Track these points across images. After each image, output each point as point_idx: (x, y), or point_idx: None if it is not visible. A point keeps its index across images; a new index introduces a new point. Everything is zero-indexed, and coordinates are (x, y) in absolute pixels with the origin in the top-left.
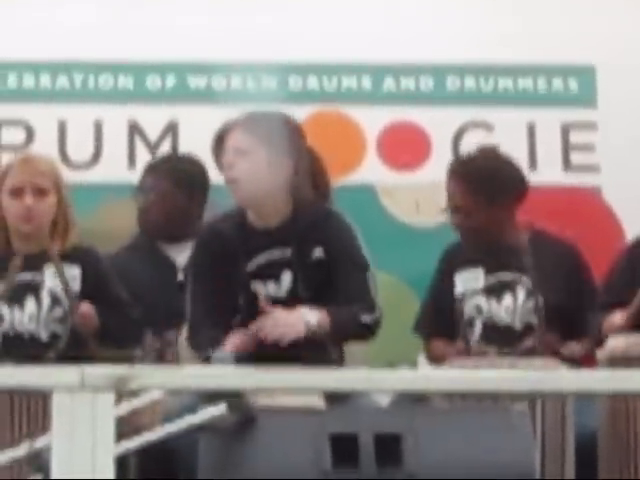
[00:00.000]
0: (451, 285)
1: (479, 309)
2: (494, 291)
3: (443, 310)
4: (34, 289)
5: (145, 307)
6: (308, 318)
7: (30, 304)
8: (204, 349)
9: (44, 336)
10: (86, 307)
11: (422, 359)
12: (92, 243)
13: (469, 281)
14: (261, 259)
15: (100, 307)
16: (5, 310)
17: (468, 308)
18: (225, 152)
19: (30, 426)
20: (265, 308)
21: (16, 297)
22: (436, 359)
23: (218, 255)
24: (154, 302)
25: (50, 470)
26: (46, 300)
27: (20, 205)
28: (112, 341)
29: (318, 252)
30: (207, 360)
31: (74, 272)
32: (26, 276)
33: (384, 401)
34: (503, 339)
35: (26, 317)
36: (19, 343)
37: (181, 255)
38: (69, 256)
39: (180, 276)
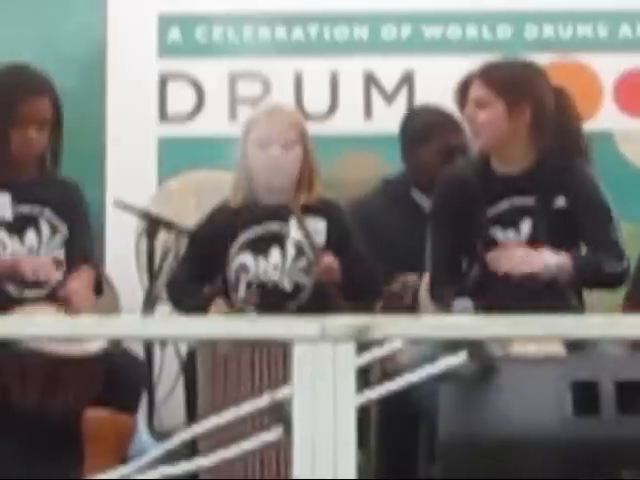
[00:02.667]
0: None
1: None
2: None
3: None
4: (279, 239)
5: (391, 252)
6: (549, 259)
7: (275, 254)
8: (444, 298)
9: (288, 286)
10: (329, 259)
11: None
12: (331, 195)
13: None
14: (503, 206)
15: (343, 261)
16: (250, 260)
17: None
18: (467, 104)
19: (271, 377)
20: (506, 245)
21: (261, 247)
22: None
23: (459, 201)
24: (401, 248)
25: (291, 421)
26: (291, 251)
27: (267, 156)
28: (353, 295)
29: (560, 201)
30: (448, 309)
31: (319, 225)
32: (272, 226)
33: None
34: None
35: (271, 267)
36: (262, 293)
37: None
38: (315, 209)
39: None
